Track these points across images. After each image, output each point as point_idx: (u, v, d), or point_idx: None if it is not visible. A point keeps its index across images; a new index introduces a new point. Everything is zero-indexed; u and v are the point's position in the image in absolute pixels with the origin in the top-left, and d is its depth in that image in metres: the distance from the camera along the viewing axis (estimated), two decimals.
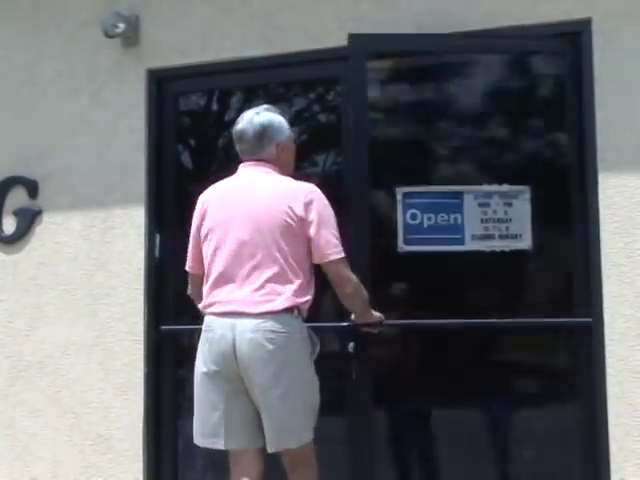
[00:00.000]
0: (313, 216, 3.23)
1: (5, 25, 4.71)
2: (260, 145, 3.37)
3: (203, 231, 3.36)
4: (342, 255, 3.26)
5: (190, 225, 3.45)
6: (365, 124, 3.85)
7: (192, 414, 3.33)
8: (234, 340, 3.18)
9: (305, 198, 3.25)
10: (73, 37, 4.56)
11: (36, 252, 4.53)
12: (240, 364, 3.18)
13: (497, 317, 3.77)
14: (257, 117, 3.38)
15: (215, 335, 3.23)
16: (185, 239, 3.49)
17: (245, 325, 3.18)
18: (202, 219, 3.38)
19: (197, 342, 3.34)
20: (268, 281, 3.20)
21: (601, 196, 3.70)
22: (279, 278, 3.20)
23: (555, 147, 3.97)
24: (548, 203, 3.83)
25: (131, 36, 4.40)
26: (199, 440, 3.31)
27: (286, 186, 3.31)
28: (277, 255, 3.21)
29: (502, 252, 3.80)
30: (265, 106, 3.46)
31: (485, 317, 3.74)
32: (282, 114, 3.47)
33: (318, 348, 3.30)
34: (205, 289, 3.34)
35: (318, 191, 3.31)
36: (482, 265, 3.85)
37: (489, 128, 4.00)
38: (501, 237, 3.80)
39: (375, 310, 3.48)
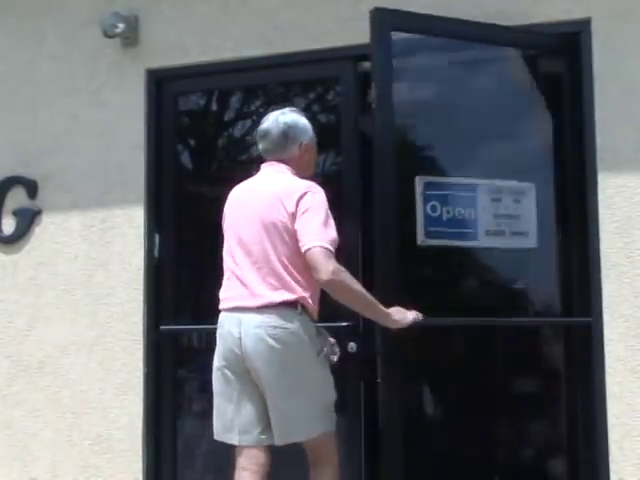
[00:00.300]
0: (300, 209, 3.24)
1: (4, 25, 4.71)
2: (284, 144, 3.41)
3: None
4: (323, 244, 3.17)
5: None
6: (390, 107, 3.59)
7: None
8: (240, 335, 3.24)
9: (299, 194, 3.26)
10: (73, 37, 4.56)
11: (35, 252, 4.53)
12: (246, 359, 3.24)
13: (497, 316, 3.76)
14: (282, 117, 3.44)
15: (224, 331, 3.31)
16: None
17: (250, 321, 3.23)
18: (224, 221, 3.47)
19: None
20: (266, 277, 3.25)
21: (600, 196, 3.70)
22: (276, 275, 3.24)
23: (554, 147, 3.97)
24: (548, 202, 3.83)
25: (130, 36, 4.40)
26: (219, 435, 3.38)
27: (287, 185, 3.33)
28: (272, 253, 3.25)
29: (508, 250, 3.77)
30: (289, 108, 3.52)
31: (485, 316, 3.73)
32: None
33: (328, 346, 3.32)
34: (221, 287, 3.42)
35: (316, 188, 3.30)
36: (488, 262, 3.84)
37: (487, 127, 3.99)
38: (511, 234, 3.77)
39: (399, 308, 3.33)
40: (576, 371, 3.79)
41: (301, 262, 3.23)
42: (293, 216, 3.24)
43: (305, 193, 3.26)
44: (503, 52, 3.96)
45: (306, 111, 4.56)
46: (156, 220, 4.37)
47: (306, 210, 3.23)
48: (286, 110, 3.48)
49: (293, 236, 3.24)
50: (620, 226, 3.67)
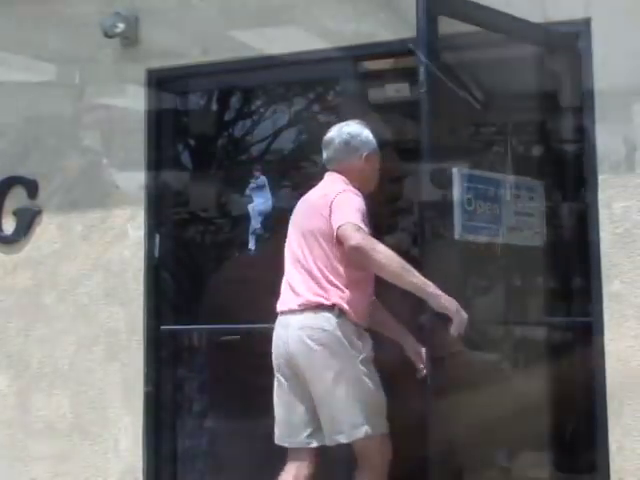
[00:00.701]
0: (333, 208, 3.28)
1: (5, 25, 4.71)
2: (345, 152, 3.46)
3: None
4: (352, 221, 3.20)
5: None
6: (437, 95, 3.36)
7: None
8: (287, 339, 3.32)
9: (332, 197, 3.31)
10: (73, 37, 4.56)
11: (36, 252, 4.53)
12: (292, 362, 3.30)
13: (496, 315, 3.76)
14: (346, 127, 3.51)
15: (275, 335, 3.39)
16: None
17: (294, 323, 3.31)
18: None
19: None
20: (307, 280, 3.32)
21: (601, 196, 3.70)
22: (314, 279, 3.31)
23: (554, 147, 3.96)
24: (548, 202, 3.83)
25: (131, 36, 4.40)
26: (278, 440, 3.40)
27: (326, 191, 3.38)
28: (310, 258, 3.33)
29: (512, 248, 3.74)
30: (356, 120, 3.57)
31: (484, 315, 3.72)
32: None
33: (369, 349, 3.32)
34: None
35: (351, 190, 3.35)
36: (495, 260, 3.81)
37: (486, 126, 3.99)
38: (525, 231, 3.70)
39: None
40: (576, 371, 3.79)
41: (339, 266, 3.28)
42: (328, 218, 3.29)
43: (337, 194, 3.32)
44: (503, 51, 3.95)
45: (306, 111, 4.58)
46: (156, 220, 4.37)
47: (338, 205, 3.28)
48: (351, 122, 3.54)
49: (329, 240, 3.28)
50: (620, 226, 3.67)
